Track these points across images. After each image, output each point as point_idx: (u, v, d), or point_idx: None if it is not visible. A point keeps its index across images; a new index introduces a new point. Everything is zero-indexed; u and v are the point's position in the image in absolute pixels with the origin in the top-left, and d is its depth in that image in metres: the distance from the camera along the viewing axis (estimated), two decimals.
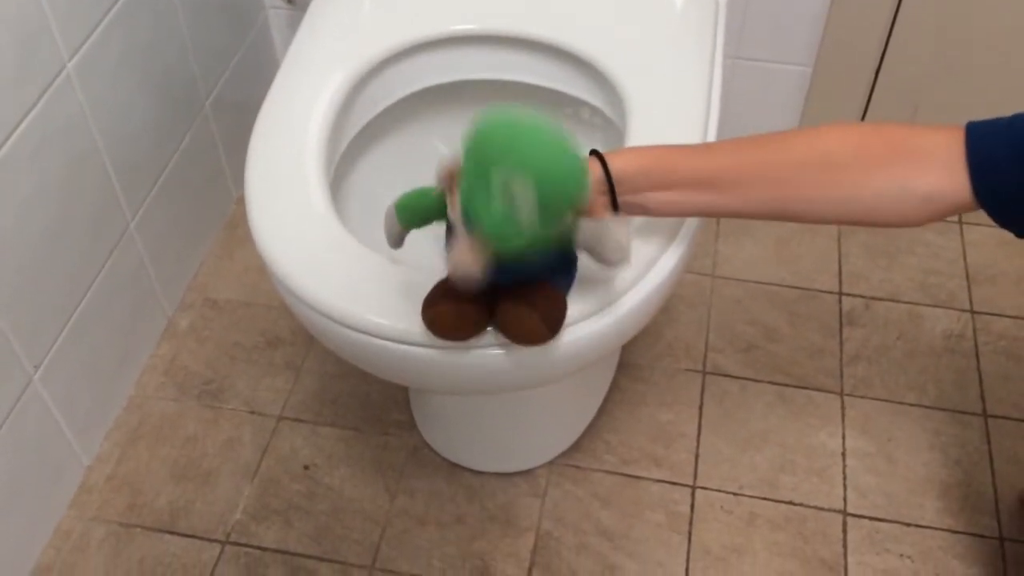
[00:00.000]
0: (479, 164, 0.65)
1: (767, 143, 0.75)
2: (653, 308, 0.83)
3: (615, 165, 0.73)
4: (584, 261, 0.77)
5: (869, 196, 0.71)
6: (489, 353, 0.75)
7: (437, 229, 0.74)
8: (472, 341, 0.74)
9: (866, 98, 1.40)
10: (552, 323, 0.72)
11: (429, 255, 0.85)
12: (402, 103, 1.03)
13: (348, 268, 0.79)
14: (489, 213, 0.64)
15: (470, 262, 0.66)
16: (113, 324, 1.17)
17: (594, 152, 0.74)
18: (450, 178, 0.68)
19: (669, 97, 0.94)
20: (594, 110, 1.02)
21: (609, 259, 0.69)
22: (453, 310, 0.71)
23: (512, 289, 0.72)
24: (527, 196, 0.63)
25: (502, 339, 0.73)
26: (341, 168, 0.98)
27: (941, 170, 0.69)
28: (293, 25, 1.42)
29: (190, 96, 1.28)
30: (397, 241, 0.77)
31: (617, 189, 0.73)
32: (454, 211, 0.68)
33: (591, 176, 0.73)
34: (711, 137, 0.92)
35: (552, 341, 0.73)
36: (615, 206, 0.74)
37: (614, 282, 0.78)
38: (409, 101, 1.03)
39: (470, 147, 0.65)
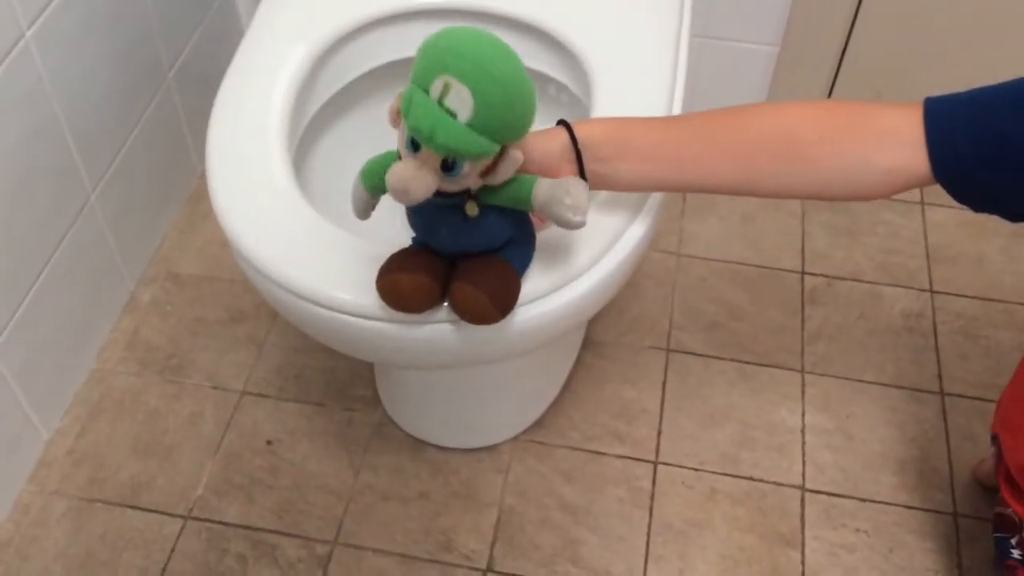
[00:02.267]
0: (420, 72, 0.64)
1: (732, 117, 0.75)
2: (614, 287, 0.84)
3: (581, 132, 0.73)
4: (543, 237, 0.77)
5: (830, 171, 0.72)
6: (448, 328, 0.75)
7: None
8: (430, 315, 0.74)
9: (832, 78, 1.41)
10: (502, 304, 0.71)
11: (394, 230, 0.85)
12: (365, 77, 1.02)
13: (309, 242, 0.78)
14: (422, 112, 0.62)
15: (409, 176, 0.64)
16: (73, 297, 1.16)
17: (561, 121, 0.74)
18: (397, 111, 0.66)
19: (634, 74, 0.94)
20: (560, 86, 1.02)
21: (566, 219, 0.68)
22: (407, 281, 0.71)
23: (466, 265, 0.72)
24: (462, 97, 0.62)
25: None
26: (305, 142, 0.97)
27: (901, 146, 0.70)
28: None
29: (153, 67, 1.26)
30: (364, 211, 0.76)
31: (584, 156, 0.73)
32: (400, 139, 0.66)
33: (558, 143, 0.73)
34: (676, 114, 0.92)
35: (504, 320, 0.73)
36: (583, 176, 0.74)
37: (575, 259, 0.78)
38: (373, 75, 1.02)
39: (415, 61, 0.65)
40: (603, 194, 0.82)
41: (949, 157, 0.69)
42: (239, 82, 0.91)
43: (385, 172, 0.69)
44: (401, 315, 0.73)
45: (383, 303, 0.72)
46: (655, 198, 0.85)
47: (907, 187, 0.72)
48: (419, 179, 0.64)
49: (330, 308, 0.76)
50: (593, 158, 0.74)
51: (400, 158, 0.67)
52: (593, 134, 0.74)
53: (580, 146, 0.73)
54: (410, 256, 0.72)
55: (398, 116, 0.67)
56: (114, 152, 1.20)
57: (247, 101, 0.89)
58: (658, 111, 0.89)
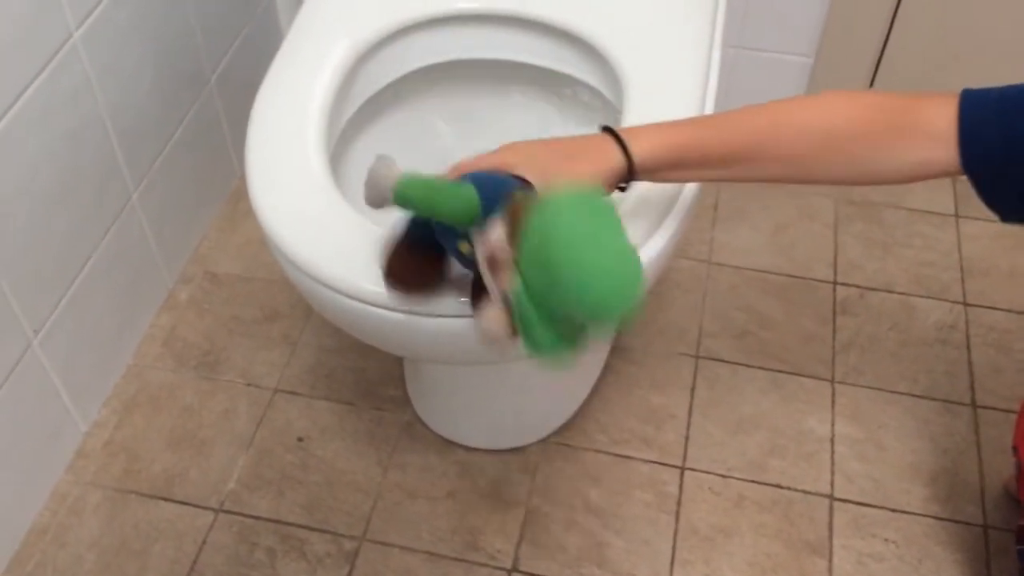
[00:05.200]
0: (542, 284, 0.60)
1: (776, 116, 0.76)
2: (649, 281, 0.84)
3: (634, 152, 0.73)
4: None
5: (868, 164, 0.74)
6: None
7: None
8: (463, 309, 0.75)
9: (866, 89, 1.41)
10: None
11: None
12: (404, 80, 1.04)
13: (345, 236, 0.80)
14: (542, 339, 0.62)
15: (503, 331, 0.64)
16: (114, 293, 1.19)
17: (608, 130, 0.74)
18: (498, 259, 0.63)
19: (667, 80, 0.94)
20: (593, 92, 1.03)
21: None
22: (409, 260, 0.71)
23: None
24: (582, 334, 0.63)
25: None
26: (342, 141, 0.99)
27: (936, 140, 0.71)
28: (299, 3, 1.43)
29: (195, 71, 1.29)
30: (379, 207, 0.76)
31: (634, 176, 0.75)
32: (499, 285, 0.63)
33: (606, 165, 0.73)
34: None
35: None
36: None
37: None
38: (411, 78, 1.04)
39: (535, 249, 0.60)
40: (627, 203, 0.82)
41: (978, 154, 0.69)
42: (281, 80, 0.93)
43: (423, 195, 0.66)
44: (431, 309, 0.75)
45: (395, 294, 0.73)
46: (680, 207, 0.85)
47: (940, 176, 0.73)
48: (512, 333, 0.64)
49: (362, 301, 0.77)
50: (642, 172, 0.75)
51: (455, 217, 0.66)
52: (646, 154, 0.74)
53: (636, 166, 0.74)
54: (410, 238, 0.72)
55: (500, 270, 0.63)
56: (156, 153, 1.23)
57: (288, 99, 0.91)
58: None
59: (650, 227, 0.83)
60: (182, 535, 1.09)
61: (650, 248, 0.83)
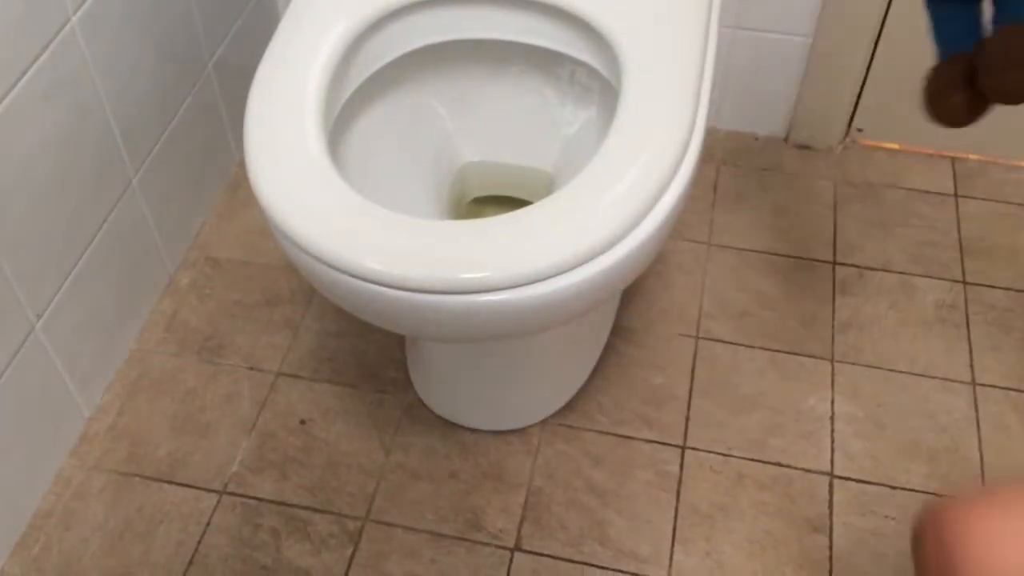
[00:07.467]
0: None
1: None
2: (645, 259, 0.85)
3: None
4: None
5: None
6: (480, 298, 0.77)
7: (429, 176, 0.75)
8: (462, 286, 0.76)
9: (865, 69, 1.41)
10: None
11: (418, 204, 0.87)
12: (401, 60, 1.03)
13: (344, 216, 0.80)
14: None
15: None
16: (115, 278, 1.19)
17: None
18: None
19: (665, 60, 0.94)
20: (591, 72, 1.03)
21: None
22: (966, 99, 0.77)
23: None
24: None
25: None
26: (339, 123, 0.99)
27: None
28: None
29: (193, 57, 1.29)
30: None
31: None
32: None
33: None
34: (703, 101, 0.93)
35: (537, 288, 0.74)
36: None
37: (608, 228, 0.79)
38: (408, 59, 1.04)
39: None
40: (621, 186, 0.82)
41: None
42: (277, 62, 0.93)
43: None
44: (429, 285, 0.75)
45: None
46: (687, 163, 0.85)
47: None
48: None
49: (363, 279, 0.77)
50: None
51: None
52: None
53: None
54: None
55: None
56: (155, 138, 1.23)
57: (285, 80, 0.91)
58: (686, 96, 0.90)
59: (661, 185, 0.83)
60: (186, 517, 1.10)
61: (661, 207, 0.83)
